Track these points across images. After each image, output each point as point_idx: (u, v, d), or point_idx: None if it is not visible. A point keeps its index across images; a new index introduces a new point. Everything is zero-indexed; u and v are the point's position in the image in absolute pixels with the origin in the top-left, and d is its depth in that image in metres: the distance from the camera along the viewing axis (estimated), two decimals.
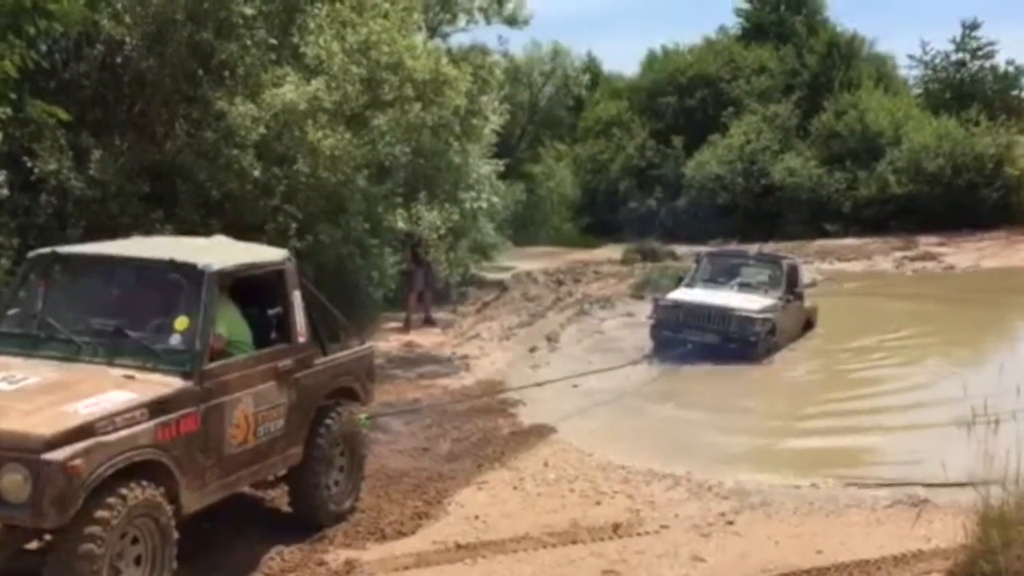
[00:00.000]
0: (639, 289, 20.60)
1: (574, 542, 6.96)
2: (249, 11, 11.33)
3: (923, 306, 19.65)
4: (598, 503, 7.87)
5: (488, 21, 22.47)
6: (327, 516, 6.96)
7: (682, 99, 38.63)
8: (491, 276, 22.11)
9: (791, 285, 15.61)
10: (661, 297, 15.56)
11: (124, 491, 5.07)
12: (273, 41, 11.44)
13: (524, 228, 28.81)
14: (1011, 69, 39.58)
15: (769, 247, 24.25)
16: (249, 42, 11.27)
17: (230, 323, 6.29)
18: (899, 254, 28.20)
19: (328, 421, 6.94)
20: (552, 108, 39.06)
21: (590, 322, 17.54)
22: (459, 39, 22.97)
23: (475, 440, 9.60)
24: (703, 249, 20.71)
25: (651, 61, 42.12)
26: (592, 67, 42.65)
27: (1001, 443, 5.19)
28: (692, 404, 11.94)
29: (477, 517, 7.40)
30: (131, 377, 5.56)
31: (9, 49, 8.96)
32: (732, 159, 35.00)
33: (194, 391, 5.66)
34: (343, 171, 10.99)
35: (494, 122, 18.02)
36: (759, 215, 32.83)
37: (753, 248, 20.31)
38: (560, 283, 22.29)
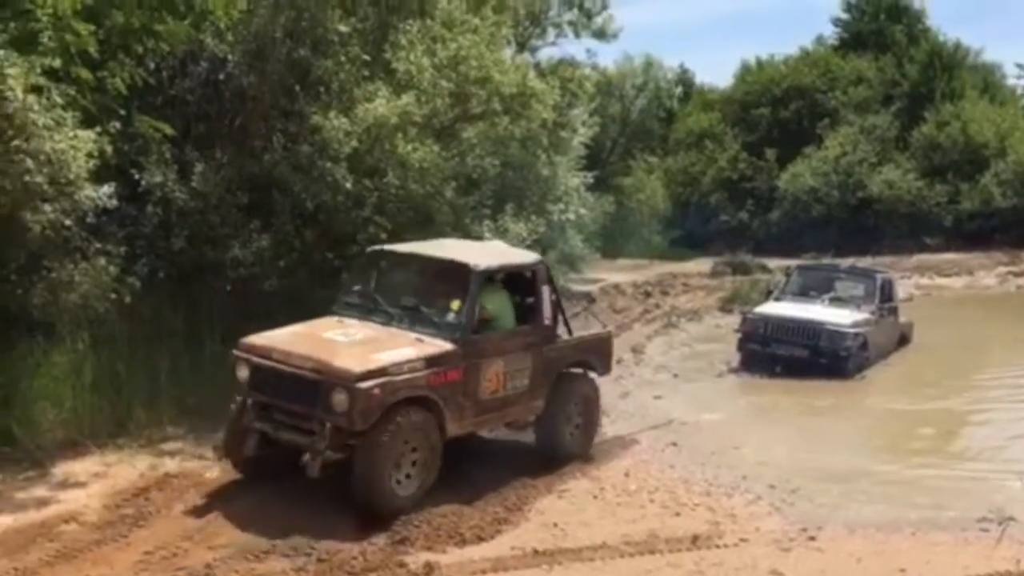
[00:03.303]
0: (728, 302, 20.40)
1: (651, 552, 7.02)
2: (344, 28, 11.69)
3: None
4: (678, 514, 7.89)
5: (577, 35, 22.66)
6: (564, 456, 8.99)
7: (776, 111, 38.09)
8: (578, 288, 22.15)
9: (884, 299, 15.30)
10: (749, 310, 15.41)
11: (407, 413, 7.43)
12: (366, 57, 11.76)
13: (613, 240, 28.74)
14: None
15: (865, 261, 23.74)
16: (344, 58, 11.61)
17: (500, 306, 8.57)
18: (1003, 269, 27.28)
19: (566, 386, 9.02)
20: (644, 120, 38.97)
21: (677, 334, 17.46)
22: (549, 52, 23.17)
23: None
24: (794, 263, 20.41)
25: (745, 72, 41.64)
26: (684, 79, 42.47)
27: None
28: (778, 420, 11.81)
29: (556, 524, 7.50)
30: (420, 340, 7.87)
31: (119, 67, 9.48)
32: (827, 171, 34.35)
33: (459, 352, 7.90)
34: (431, 183, 11.22)
35: (583, 134, 18.14)
36: (855, 229, 32.12)
37: (847, 262, 19.96)
38: (648, 295, 22.23)
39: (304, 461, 7.52)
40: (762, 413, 12.28)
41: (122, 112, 9.70)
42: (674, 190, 37.21)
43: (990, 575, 6.48)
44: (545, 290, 8.84)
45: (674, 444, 10.03)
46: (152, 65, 10.83)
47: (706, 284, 24.47)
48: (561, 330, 9.23)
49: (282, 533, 6.93)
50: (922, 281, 25.45)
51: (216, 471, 8.35)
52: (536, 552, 6.88)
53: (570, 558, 6.81)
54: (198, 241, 11.10)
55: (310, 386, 7.35)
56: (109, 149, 8.72)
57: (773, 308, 14.87)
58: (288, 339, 7.86)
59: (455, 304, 8.10)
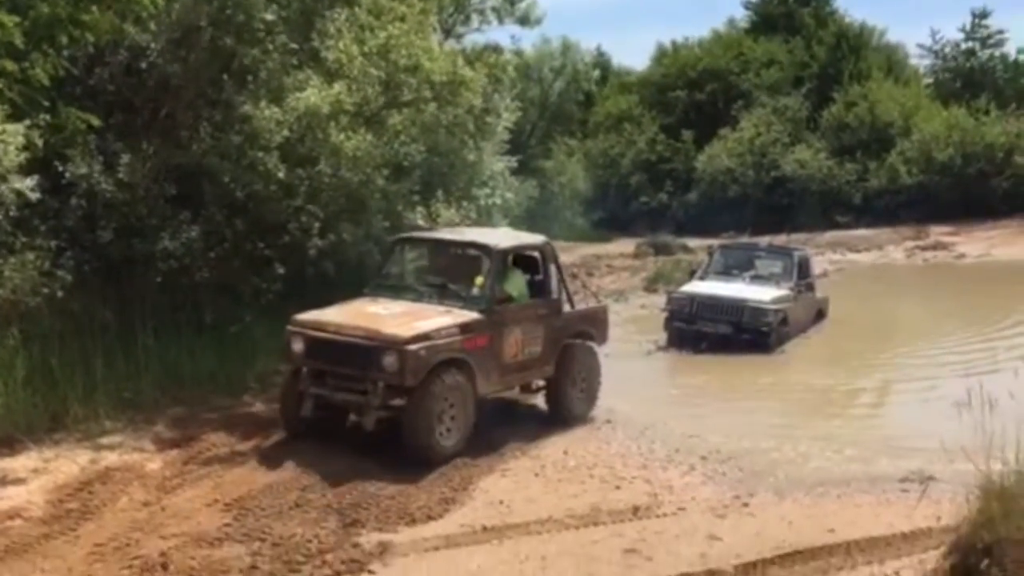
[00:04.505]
0: (652, 282, 20.87)
1: (595, 524, 7.25)
2: (270, 17, 11.58)
3: (933, 304, 19.78)
4: (617, 488, 8.14)
5: (501, 21, 22.79)
6: (570, 416, 10.04)
7: (692, 93, 38.86)
8: None
9: (802, 276, 15.88)
10: (674, 290, 15.83)
11: (446, 373, 8.46)
12: (294, 46, 11.70)
13: (537, 224, 28.92)
14: (1021, 58, 39.74)
15: (781, 239, 24.48)
16: (270, 47, 11.51)
17: (514, 282, 9.62)
18: (910, 244, 28.41)
19: (570, 352, 10.00)
20: (562, 103, 39.34)
21: None
22: (473, 39, 23.26)
23: (497, 430, 9.86)
24: (715, 242, 20.95)
25: (660, 55, 42.37)
26: (602, 62, 43.00)
27: (998, 422, 5.46)
28: (706, 395, 12.22)
29: (502, 502, 7.69)
30: (450, 311, 8.94)
31: (42, 58, 9.28)
32: (742, 152, 35.21)
33: (485, 321, 8.98)
34: (364, 171, 11.26)
35: (507, 119, 18.29)
36: (770, 207, 33.03)
37: (764, 240, 20.57)
38: (574, 277, 22.46)
39: (359, 420, 8.71)
40: (691, 389, 12.68)
41: (46, 104, 9.50)
42: (594, 172, 37.70)
43: (912, 532, 6.87)
44: (552, 268, 10.00)
45: (608, 422, 10.27)
46: (66, 55, 10.59)
47: (630, 265, 24.94)
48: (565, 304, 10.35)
49: (232, 519, 7.00)
50: (835, 257, 26.38)
51: (157, 463, 8.34)
52: (485, 528, 7.06)
53: (518, 533, 7.00)
54: (126, 233, 10.93)
55: (363, 351, 8.38)
56: (40, 142, 8.56)
57: (697, 287, 15.32)
58: (336, 315, 8.96)
59: (479, 280, 9.23)
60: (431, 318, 8.77)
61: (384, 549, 6.59)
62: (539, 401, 10.49)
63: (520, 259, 10.03)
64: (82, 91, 11.43)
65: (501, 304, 9.27)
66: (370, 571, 6.32)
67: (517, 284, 9.72)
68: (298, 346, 8.79)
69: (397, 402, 8.50)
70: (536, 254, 10.12)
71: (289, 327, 8.92)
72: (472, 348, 8.82)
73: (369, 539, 6.77)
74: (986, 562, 4.83)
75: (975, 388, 6.64)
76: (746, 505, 7.73)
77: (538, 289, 9.95)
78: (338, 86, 11.03)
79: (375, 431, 8.53)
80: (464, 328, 8.78)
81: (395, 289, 9.62)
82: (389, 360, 8.24)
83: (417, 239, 10.59)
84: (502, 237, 10.24)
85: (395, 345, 8.26)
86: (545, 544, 6.82)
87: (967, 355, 13.41)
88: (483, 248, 9.58)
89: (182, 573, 6.08)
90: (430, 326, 8.58)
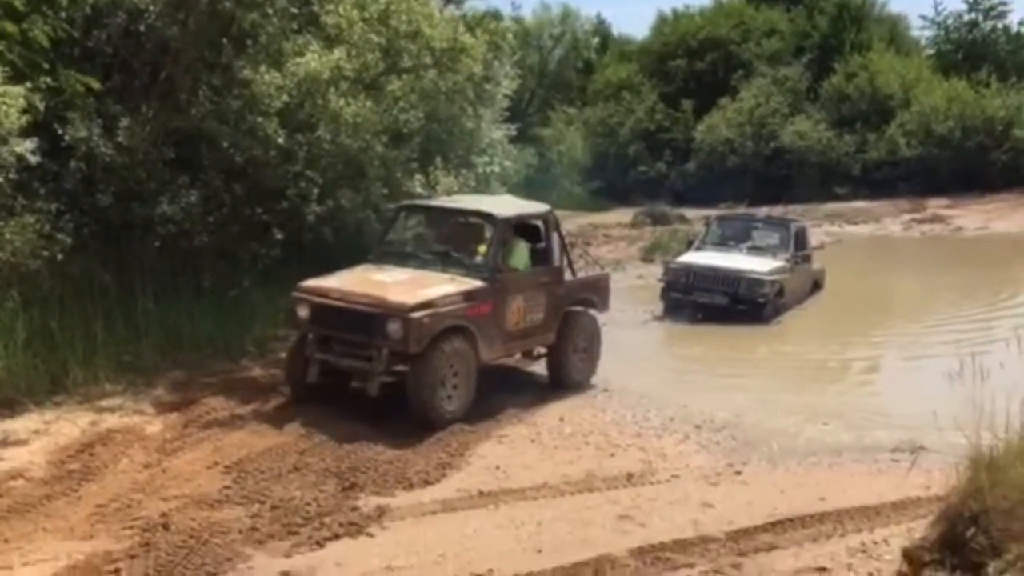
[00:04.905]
0: (649, 252, 20.90)
1: (590, 490, 7.35)
2: None
3: (930, 277, 19.84)
4: (612, 455, 8.25)
5: None
6: (571, 382, 10.18)
7: (692, 62, 38.60)
8: None
9: (799, 247, 15.92)
10: (671, 260, 15.88)
11: (449, 339, 8.58)
12: (293, 10, 11.64)
13: (535, 192, 28.91)
14: (1023, 29, 39.47)
15: (778, 210, 24.47)
16: (270, 11, 11.45)
17: (520, 253, 9.71)
18: (908, 217, 28.42)
19: (571, 320, 10.14)
20: (561, 71, 39.12)
21: None
22: (473, 5, 23.03)
23: (493, 397, 9.94)
24: (713, 213, 20.96)
25: (661, 24, 42.04)
26: (602, 30, 42.71)
27: (989, 393, 5.52)
28: (701, 365, 12.30)
29: (498, 467, 7.78)
30: (453, 279, 9.04)
31: (42, 19, 9.24)
32: (742, 122, 35.06)
33: (488, 289, 9.08)
34: (363, 138, 11.26)
35: (506, 87, 18.21)
36: (769, 178, 32.96)
37: (762, 211, 20.59)
38: (572, 246, 22.53)
39: (358, 385, 8.92)
40: (686, 359, 12.77)
41: (46, 66, 9.47)
42: (593, 141, 37.54)
43: (902, 500, 6.98)
44: (554, 236, 10.09)
45: (605, 390, 10.34)
46: (64, 16, 10.52)
47: (627, 234, 24.94)
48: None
49: (232, 482, 7.10)
50: (832, 229, 26.40)
51: (158, 426, 8.42)
52: (481, 493, 7.16)
53: (514, 498, 7.10)
54: (125, 197, 10.94)
55: (368, 318, 8.49)
56: (41, 106, 8.54)
57: (694, 257, 15.36)
58: (341, 282, 9.04)
59: (482, 249, 9.41)
60: (435, 286, 8.87)
61: (382, 512, 6.68)
62: (538, 368, 10.57)
63: (523, 227, 10.08)
64: (80, 53, 11.36)
65: (504, 272, 9.34)
66: (368, 534, 6.42)
67: (520, 254, 9.78)
68: (303, 312, 8.89)
69: (401, 368, 8.61)
70: (539, 223, 10.16)
71: (295, 293, 9.01)
72: (475, 316, 8.90)
73: (367, 503, 6.87)
74: (973, 531, 4.90)
75: (968, 360, 6.70)
76: (739, 473, 7.83)
77: (540, 257, 10.01)
78: (338, 52, 11.00)
79: (375, 397, 8.60)
80: (468, 296, 8.89)
81: (399, 256, 9.71)
82: (393, 327, 8.34)
83: (421, 207, 10.69)
84: (506, 205, 10.32)
85: (399, 312, 8.36)
86: (541, 509, 6.91)
87: (963, 327, 13.49)
88: (487, 217, 9.65)
89: (183, 534, 6.15)
90: (434, 294, 8.68)
